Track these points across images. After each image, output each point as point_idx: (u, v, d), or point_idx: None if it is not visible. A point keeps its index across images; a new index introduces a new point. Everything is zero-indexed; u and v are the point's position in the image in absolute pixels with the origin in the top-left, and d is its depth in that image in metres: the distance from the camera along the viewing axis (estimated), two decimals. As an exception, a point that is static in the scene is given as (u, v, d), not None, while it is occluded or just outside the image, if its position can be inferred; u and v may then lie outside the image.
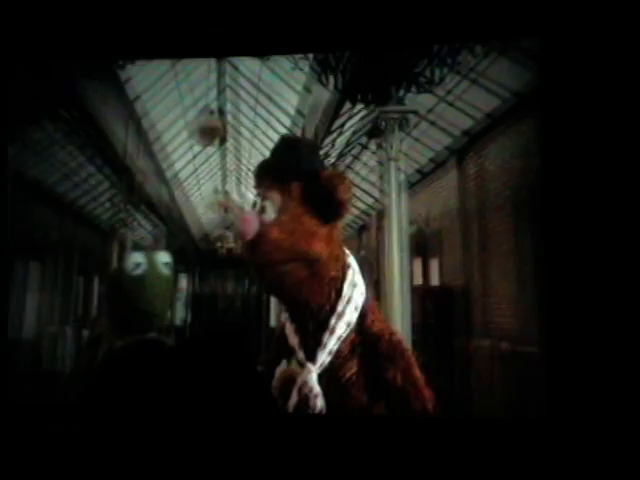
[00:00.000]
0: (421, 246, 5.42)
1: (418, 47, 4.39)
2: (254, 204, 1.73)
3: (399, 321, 4.42)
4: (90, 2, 3.42)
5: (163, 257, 2.99)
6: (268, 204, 1.66)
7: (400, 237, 4.66)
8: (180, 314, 5.76)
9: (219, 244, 6.70)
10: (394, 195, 4.73)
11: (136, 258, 2.90)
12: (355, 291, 1.76)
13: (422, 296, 5.14)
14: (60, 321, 4.58)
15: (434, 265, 5.42)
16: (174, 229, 5.17)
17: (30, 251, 4.51)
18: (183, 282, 6.23)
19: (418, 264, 5.48)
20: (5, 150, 3.13)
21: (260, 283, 1.74)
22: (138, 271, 2.87)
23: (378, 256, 5.40)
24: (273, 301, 4.54)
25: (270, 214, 1.65)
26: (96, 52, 3.78)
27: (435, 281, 5.40)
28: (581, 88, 2.64)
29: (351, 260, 1.81)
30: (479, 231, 4.96)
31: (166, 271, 2.95)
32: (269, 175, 1.75)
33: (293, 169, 1.69)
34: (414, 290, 4.80)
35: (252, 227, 1.62)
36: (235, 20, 3.71)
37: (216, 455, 1.10)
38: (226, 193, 6.79)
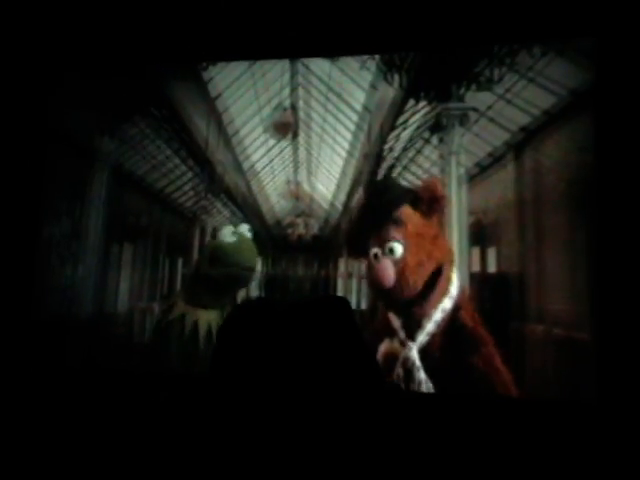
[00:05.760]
0: (479, 235, 5.50)
1: (479, 48, 4.61)
2: (375, 255, 1.98)
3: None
4: (179, 12, 3.88)
5: (245, 227, 3.82)
6: (394, 244, 1.89)
7: (460, 227, 4.95)
8: (254, 294, 6.11)
9: (290, 230, 6.98)
10: (454, 187, 5.04)
11: (230, 229, 3.75)
12: (452, 285, 2.08)
13: (479, 282, 5.26)
14: (148, 298, 5.02)
15: (491, 253, 5.51)
16: (249, 216, 5.55)
17: (123, 234, 4.98)
18: (257, 265, 6.52)
19: (476, 252, 5.58)
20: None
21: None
22: (234, 237, 3.70)
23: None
24: (340, 283, 4.85)
25: (398, 252, 1.89)
26: (183, 55, 4.26)
27: (492, 268, 5.49)
28: (636, 87, 2.81)
29: (454, 257, 2.13)
30: (535, 222, 5.09)
31: (250, 236, 3.86)
32: (385, 225, 1.96)
33: (398, 204, 1.89)
34: (472, 276, 4.94)
35: (389, 273, 1.88)
36: (308, 25, 4.09)
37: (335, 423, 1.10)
38: (297, 183, 7.11)
